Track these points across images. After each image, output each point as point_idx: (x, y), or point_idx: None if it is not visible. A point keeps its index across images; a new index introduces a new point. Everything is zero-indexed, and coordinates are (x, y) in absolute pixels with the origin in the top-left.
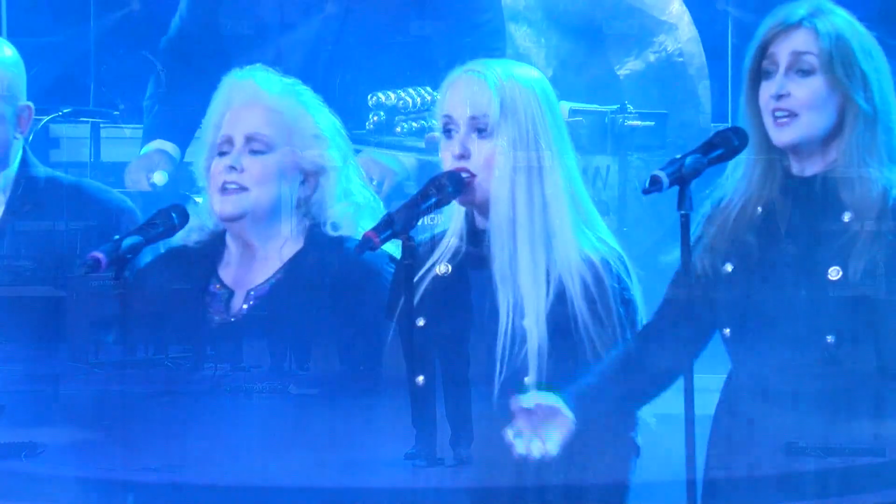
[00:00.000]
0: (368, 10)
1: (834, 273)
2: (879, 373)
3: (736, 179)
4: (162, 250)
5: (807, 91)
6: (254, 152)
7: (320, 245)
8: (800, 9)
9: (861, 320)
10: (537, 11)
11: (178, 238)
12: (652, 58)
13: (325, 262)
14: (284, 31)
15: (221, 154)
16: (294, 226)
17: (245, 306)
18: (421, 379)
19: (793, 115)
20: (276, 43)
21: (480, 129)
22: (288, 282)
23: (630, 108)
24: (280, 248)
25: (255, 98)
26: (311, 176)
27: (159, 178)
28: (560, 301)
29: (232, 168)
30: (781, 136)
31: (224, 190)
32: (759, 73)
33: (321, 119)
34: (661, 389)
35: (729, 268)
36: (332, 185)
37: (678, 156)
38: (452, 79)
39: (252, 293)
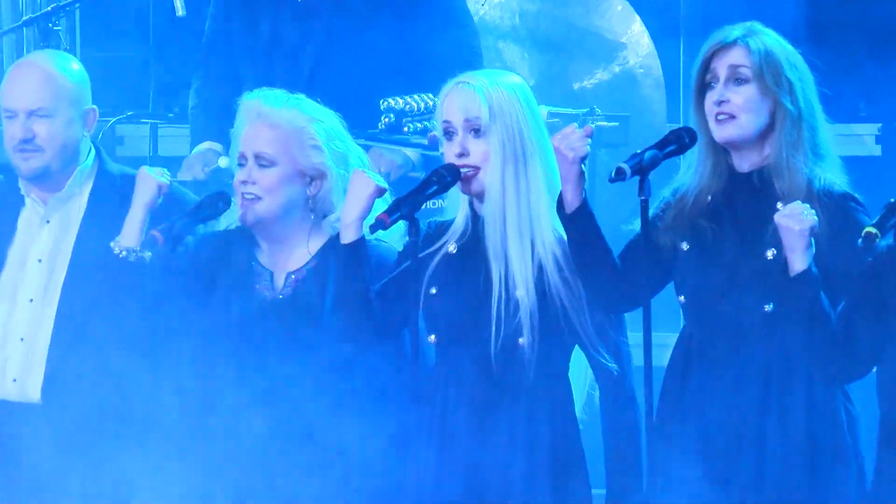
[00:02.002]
0: (369, 28)
1: (770, 254)
2: (809, 337)
3: (691, 174)
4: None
5: (742, 97)
6: (261, 166)
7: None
8: (735, 31)
9: (793, 292)
10: (522, 31)
11: (220, 224)
12: (616, 69)
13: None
14: (300, 46)
15: (239, 165)
16: (312, 220)
17: (287, 286)
18: (433, 338)
19: (731, 116)
20: (294, 57)
21: (475, 129)
22: (323, 267)
23: (598, 111)
24: (307, 240)
25: (260, 117)
26: (315, 179)
27: (224, 161)
28: (540, 272)
29: (245, 182)
30: (722, 132)
31: (242, 199)
32: (704, 85)
33: (318, 129)
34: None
35: (685, 246)
36: (333, 186)
37: (638, 151)
38: (447, 90)
39: (293, 276)
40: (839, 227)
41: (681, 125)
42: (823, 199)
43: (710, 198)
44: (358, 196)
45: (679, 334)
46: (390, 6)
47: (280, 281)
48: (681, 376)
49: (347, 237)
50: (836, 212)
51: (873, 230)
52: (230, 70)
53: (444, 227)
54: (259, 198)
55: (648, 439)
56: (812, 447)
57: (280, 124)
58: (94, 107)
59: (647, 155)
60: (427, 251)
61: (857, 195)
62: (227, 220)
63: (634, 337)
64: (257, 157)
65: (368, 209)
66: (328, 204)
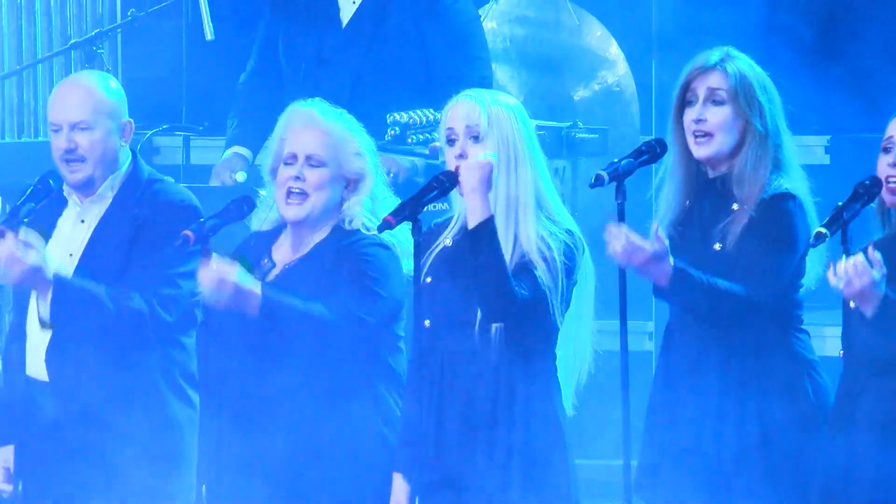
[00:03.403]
0: (385, 49)
1: (717, 246)
2: (755, 314)
3: (667, 183)
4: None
5: (719, 117)
6: (311, 166)
7: (338, 238)
8: (714, 55)
9: (739, 276)
10: (512, 53)
11: (256, 223)
12: (596, 87)
13: (339, 248)
14: (344, 65)
15: (287, 164)
16: (331, 222)
17: (276, 276)
18: (427, 322)
19: (709, 135)
20: (315, 77)
21: (474, 136)
22: (313, 258)
23: (580, 124)
24: (314, 235)
25: (314, 124)
26: (352, 182)
27: (240, 176)
28: (522, 266)
29: (297, 178)
30: (700, 151)
31: (290, 194)
32: (684, 103)
33: (361, 139)
34: None
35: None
36: (365, 189)
37: (615, 160)
38: (453, 102)
39: (286, 266)
40: (770, 219)
41: (653, 137)
42: (768, 201)
43: (688, 202)
44: (479, 178)
45: (666, 324)
46: (418, 39)
47: (276, 272)
48: (665, 355)
49: (478, 217)
50: (772, 209)
51: (823, 230)
52: (271, 89)
53: (443, 225)
54: (307, 194)
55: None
56: (770, 416)
57: (330, 132)
58: (130, 120)
59: (623, 163)
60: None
61: (802, 197)
62: (259, 222)
63: (612, 324)
64: (308, 157)
65: (488, 185)
66: (357, 208)
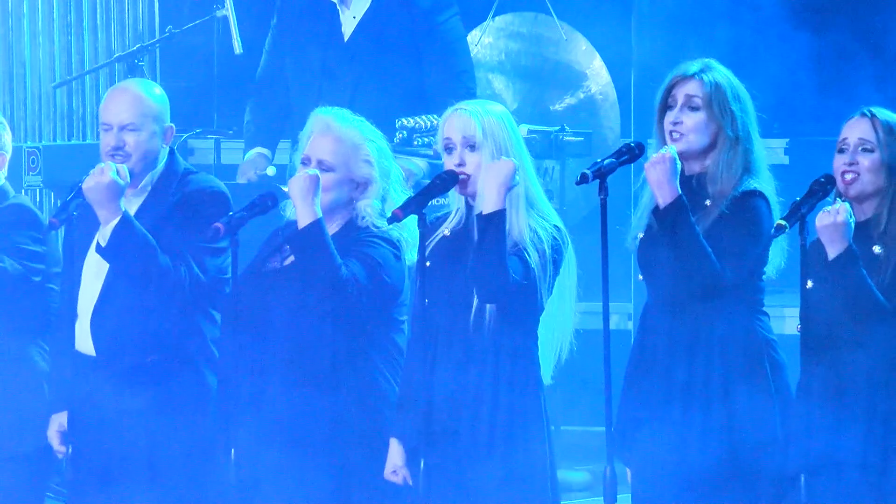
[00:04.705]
0: (383, 61)
1: None
2: (721, 295)
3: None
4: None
5: (693, 121)
6: (321, 170)
7: (349, 231)
8: (694, 66)
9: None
10: (507, 66)
11: (290, 212)
12: (581, 95)
13: (348, 242)
14: (345, 77)
15: (303, 164)
16: (345, 215)
17: (291, 261)
18: (427, 301)
19: (682, 135)
20: (319, 85)
21: (470, 145)
22: None
23: (567, 128)
24: (329, 229)
25: (329, 131)
26: (360, 185)
27: (270, 170)
28: (518, 254)
29: None
30: (675, 146)
31: None
32: (665, 106)
33: (371, 147)
34: None
35: (640, 235)
36: (373, 191)
37: (598, 160)
38: (448, 114)
39: None
40: (739, 212)
41: (632, 139)
42: (738, 198)
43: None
44: (497, 177)
45: (644, 306)
46: (412, 53)
47: (292, 258)
48: (642, 331)
49: (493, 207)
50: (742, 204)
51: (783, 222)
52: (280, 94)
53: (443, 218)
54: None
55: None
56: (734, 391)
57: (342, 139)
58: (172, 125)
59: (605, 163)
60: (432, 236)
61: (768, 195)
62: (291, 211)
63: (595, 305)
64: (319, 162)
65: (508, 183)
66: (368, 209)
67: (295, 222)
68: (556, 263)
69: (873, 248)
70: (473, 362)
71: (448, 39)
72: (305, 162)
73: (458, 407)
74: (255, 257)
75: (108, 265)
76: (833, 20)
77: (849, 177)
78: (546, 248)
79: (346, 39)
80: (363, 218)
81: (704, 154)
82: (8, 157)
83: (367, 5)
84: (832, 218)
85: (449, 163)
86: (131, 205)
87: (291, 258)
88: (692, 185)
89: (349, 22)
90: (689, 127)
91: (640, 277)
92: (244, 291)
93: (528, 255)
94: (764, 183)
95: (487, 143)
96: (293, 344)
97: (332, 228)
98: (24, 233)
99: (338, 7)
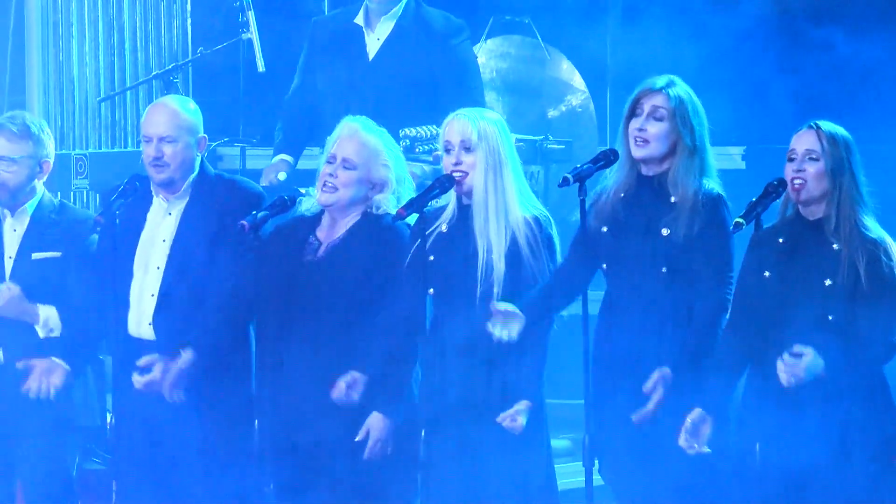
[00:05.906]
0: (403, 78)
1: (665, 231)
2: (692, 289)
3: (613, 176)
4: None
5: (657, 129)
6: (345, 168)
7: (369, 220)
8: (660, 81)
9: (681, 258)
10: (498, 82)
11: (301, 209)
12: (563, 108)
13: (370, 229)
14: (369, 90)
15: (328, 163)
16: (363, 211)
17: (324, 251)
18: (431, 290)
19: (645, 141)
20: (346, 99)
21: (467, 147)
22: (350, 238)
23: (550, 137)
24: (347, 220)
25: (355, 135)
26: (377, 185)
27: (282, 175)
28: (513, 245)
29: (332, 175)
30: (637, 152)
31: (324, 186)
32: (632, 114)
33: (390, 153)
34: (571, 301)
35: (605, 229)
36: (388, 191)
37: (578, 165)
38: (450, 119)
39: (330, 244)
40: (709, 221)
41: (608, 147)
42: (703, 201)
43: (623, 194)
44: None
45: (604, 293)
46: (429, 71)
47: (323, 249)
48: (606, 322)
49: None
50: (710, 210)
51: (741, 220)
52: (308, 107)
53: (438, 212)
54: (336, 188)
55: (592, 366)
56: (699, 363)
57: (366, 143)
58: (205, 135)
59: (584, 168)
60: (428, 229)
61: (727, 200)
62: (306, 206)
63: None
64: (344, 160)
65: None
66: (385, 201)
67: (310, 218)
68: (550, 243)
69: (833, 245)
70: (477, 346)
71: (461, 60)
72: (331, 160)
73: (466, 378)
74: (274, 253)
75: (155, 258)
76: (792, 41)
77: (797, 183)
78: (537, 233)
79: (370, 59)
80: (378, 207)
81: (663, 159)
82: (51, 162)
83: (390, 29)
84: (793, 375)
85: (447, 162)
86: (175, 208)
87: (323, 249)
88: (653, 185)
89: (374, 43)
90: (653, 135)
91: (604, 267)
92: (290, 283)
93: (521, 250)
94: (715, 183)
95: (482, 145)
96: (344, 329)
97: (350, 219)
98: None
99: (364, 30)
